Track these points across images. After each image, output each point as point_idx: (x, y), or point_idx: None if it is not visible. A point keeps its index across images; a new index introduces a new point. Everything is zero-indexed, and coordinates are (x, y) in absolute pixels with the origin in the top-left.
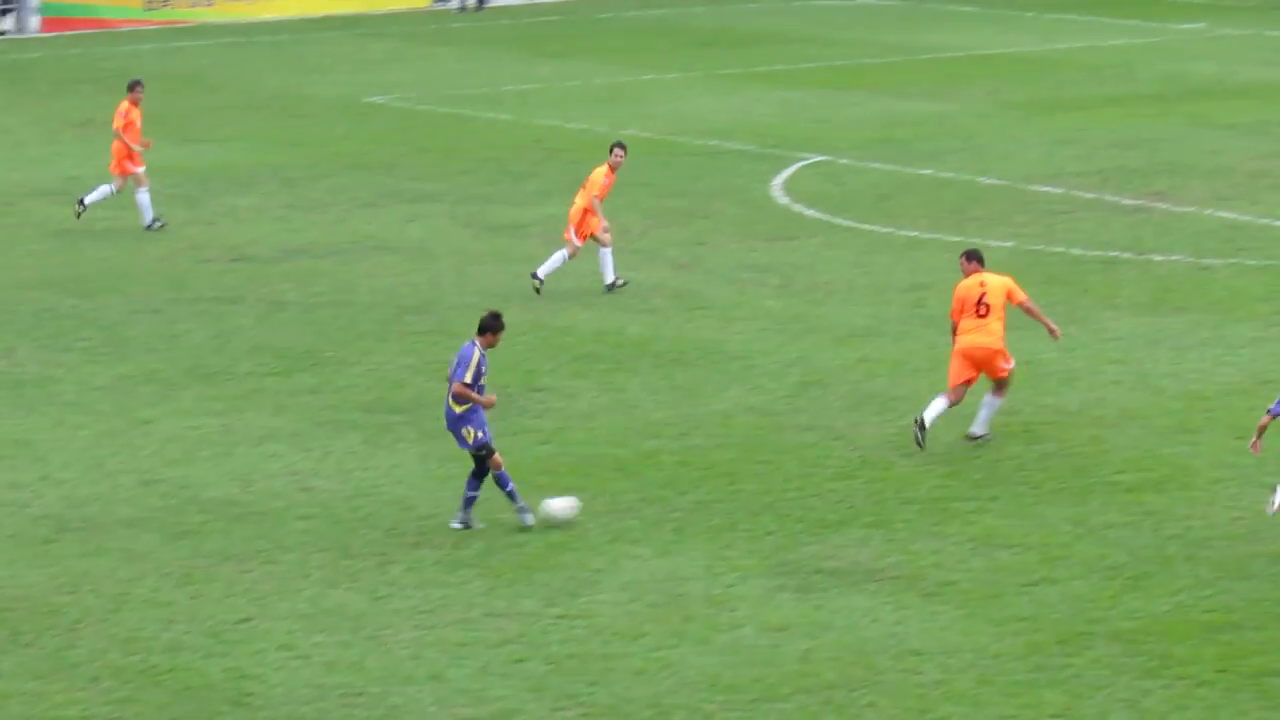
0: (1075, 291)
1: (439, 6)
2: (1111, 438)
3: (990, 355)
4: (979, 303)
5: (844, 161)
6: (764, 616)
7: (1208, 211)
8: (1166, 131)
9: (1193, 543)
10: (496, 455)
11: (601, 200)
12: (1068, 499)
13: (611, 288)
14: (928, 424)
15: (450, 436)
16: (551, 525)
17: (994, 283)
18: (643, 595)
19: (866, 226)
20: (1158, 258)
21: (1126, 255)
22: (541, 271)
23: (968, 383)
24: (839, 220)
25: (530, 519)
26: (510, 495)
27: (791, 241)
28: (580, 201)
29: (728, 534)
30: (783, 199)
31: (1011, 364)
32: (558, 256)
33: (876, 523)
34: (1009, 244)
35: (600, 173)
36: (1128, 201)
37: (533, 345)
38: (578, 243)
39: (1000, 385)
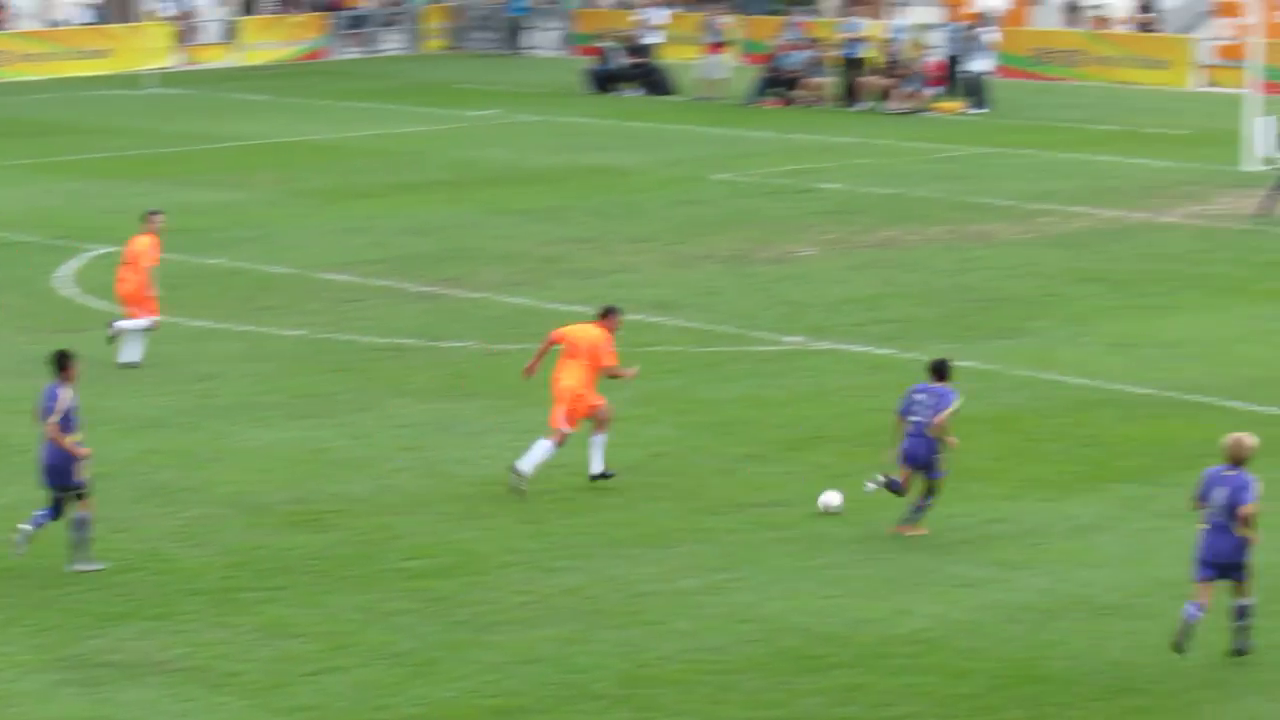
0: (365, 379)
1: None
2: (400, 524)
3: (572, 398)
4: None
5: None
6: (45, 713)
7: (499, 297)
8: (459, 218)
9: (480, 628)
10: (91, 498)
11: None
12: (355, 586)
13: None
14: (524, 470)
15: None
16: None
17: (580, 335)
18: None
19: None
20: (448, 344)
21: (417, 342)
22: (124, 359)
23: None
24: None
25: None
26: (79, 540)
27: (80, 334)
28: (134, 276)
29: (7, 629)
30: (71, 290)
31: (600, 401)
32: (135, 337)
33: (161, 614)
34: (300, 332)
35: (145, 242)
36: (419, 288)
37: None
38: (151, 319)
39: (600, 423)
